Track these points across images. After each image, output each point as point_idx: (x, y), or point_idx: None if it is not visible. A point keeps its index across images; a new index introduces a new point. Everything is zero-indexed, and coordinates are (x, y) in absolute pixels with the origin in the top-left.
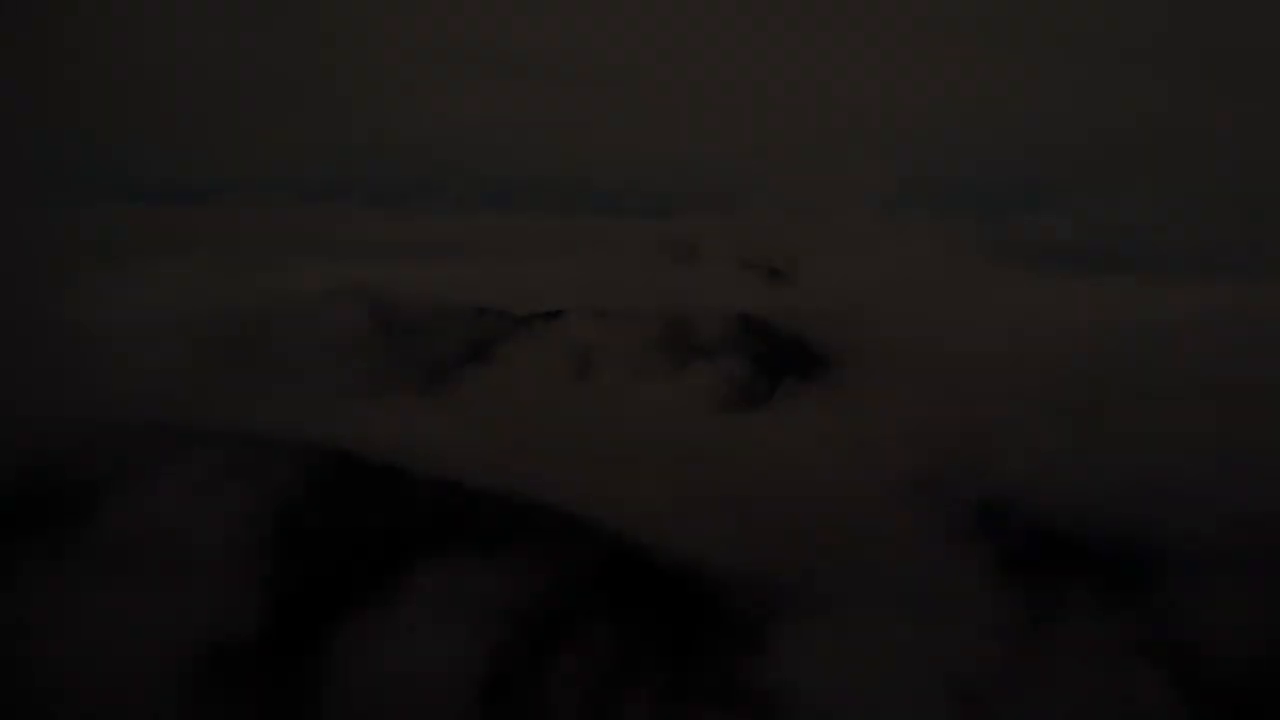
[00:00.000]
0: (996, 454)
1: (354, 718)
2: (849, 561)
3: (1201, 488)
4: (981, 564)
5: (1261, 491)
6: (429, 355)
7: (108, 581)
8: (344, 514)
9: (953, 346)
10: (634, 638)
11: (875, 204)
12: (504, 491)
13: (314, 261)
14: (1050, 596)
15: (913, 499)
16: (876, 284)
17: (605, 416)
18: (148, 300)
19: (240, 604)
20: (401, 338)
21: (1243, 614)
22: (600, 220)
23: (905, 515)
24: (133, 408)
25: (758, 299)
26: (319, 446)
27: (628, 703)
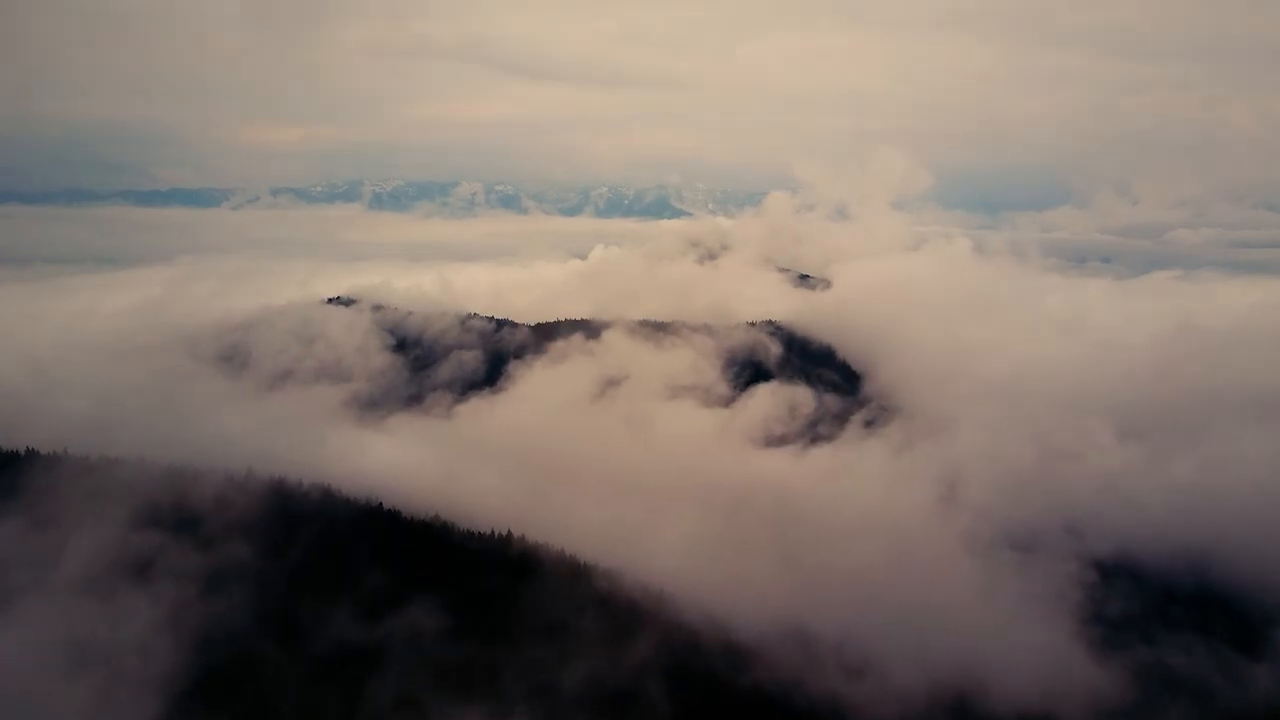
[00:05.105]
0: (1088, 499)
1: None
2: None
3: None
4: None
5: None
6: (441, 373)
7: None
8: (319, 589)
9: (1015, 362)
10: None
11: (906, 207)
12: (520, 542)
13: (316, 266)
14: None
15: (1014, 561)
16: (918, 290)
17: (637, 451)
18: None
19: None
20: (409, 352)
21: None
22: (615, 221)
23: (1010, 580)
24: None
25: (791, 306)
26: (304, 483)
27: None
